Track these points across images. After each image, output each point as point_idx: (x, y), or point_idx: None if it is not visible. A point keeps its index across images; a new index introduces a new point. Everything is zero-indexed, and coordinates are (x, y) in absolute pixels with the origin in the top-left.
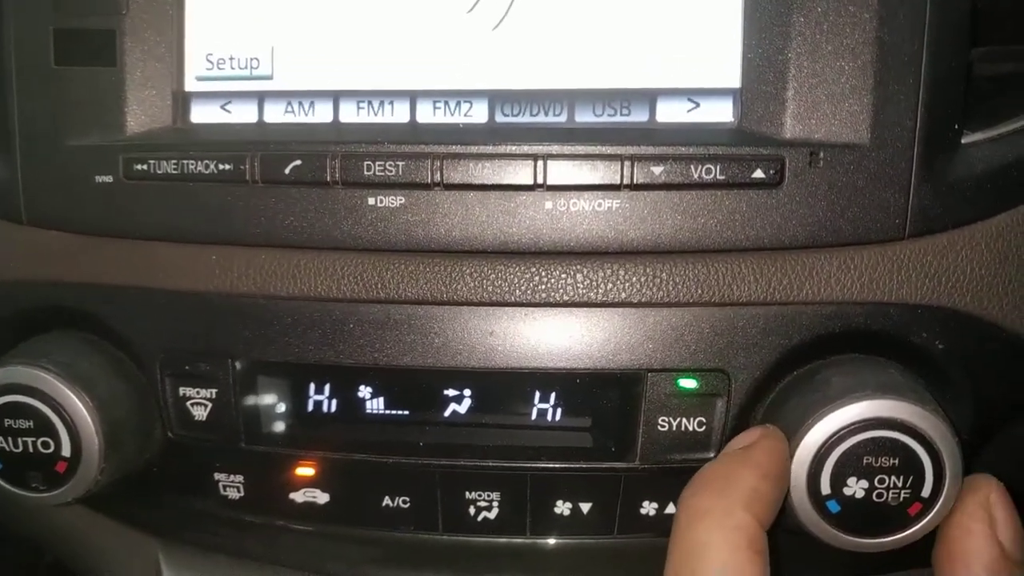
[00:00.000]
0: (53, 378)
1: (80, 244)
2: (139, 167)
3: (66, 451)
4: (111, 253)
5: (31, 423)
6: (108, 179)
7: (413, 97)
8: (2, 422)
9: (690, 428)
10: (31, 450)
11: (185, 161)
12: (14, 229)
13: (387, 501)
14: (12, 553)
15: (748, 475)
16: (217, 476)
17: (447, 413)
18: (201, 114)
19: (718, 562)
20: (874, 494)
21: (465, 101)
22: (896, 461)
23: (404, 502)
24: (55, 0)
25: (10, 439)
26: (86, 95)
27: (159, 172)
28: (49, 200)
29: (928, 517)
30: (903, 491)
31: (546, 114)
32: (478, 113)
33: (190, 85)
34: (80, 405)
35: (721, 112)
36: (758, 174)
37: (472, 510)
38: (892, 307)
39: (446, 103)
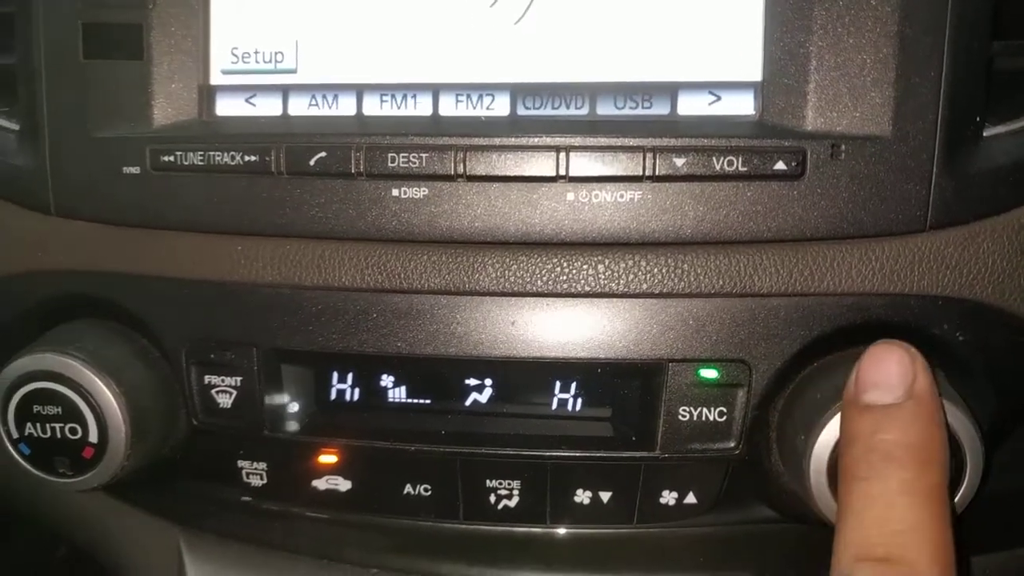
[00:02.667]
0: (81, 365)
1: (107, 234)
2: (166, 159)
3: (93, 437)
4: (138, 243)
5: (59, 409)
6: (135, 170)
7: (436, 90)
8: (31, 408)
9: (711, 418)
10: (59, 436)
11: (211, 153)
12: (42, 219)
13: (408, 489)
14: (25, 547)
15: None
16: (240, 463)
17: (468, 402)
18: (226, 107)
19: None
20: None
21: (487, 94)
22: None
23: (425, 490)
24: None
25: (38, 425)
26: (114, 88)
27: (186, 164)
28: (77, 191)
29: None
30: None
31: (567, 107)
32: (500, 106)
33: (215, 78)
34: (107, 392)
35: (742, 105)
36: (780, 166)
37: (492, 498)
38: (913, 299)
39: (468, 96)
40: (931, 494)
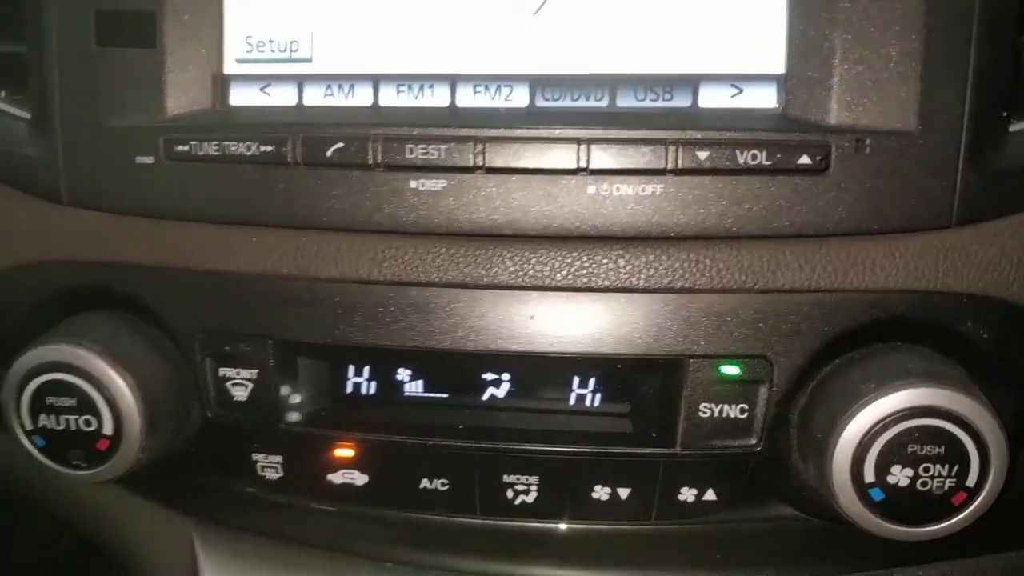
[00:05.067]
0: (95, 356)
1: (121, 225)
2: (180, 148)
3: (108, 429)
4: (152, 234)
5: (74, 401)
6: (149, 160)
7: (453, 81)
8: (45, 400)
9: (732, 415)
10: (73, 428)
11: (226, 143)
12: (55, 209)
13: (425, 483)
14: (32, 538)
15: None
16: (256, 456)
17: (486, 397)
18: (240, 96)
19: None
20: (918, 483)
21: (505, 85)
22: (941, 450)
23: (442, 484)
24: None
25: (53, 416)
26: (127, 76)
27: (200, 153)
28: (90, 181)
29: (973, 506)
30: (948, 480)
31: (587, 99)
32: (519, 97)
33: (230, 68)
34: (122, 383)
35: (765, 98)
36: (804, 160)
37: (510, 493)
38: (937, 295)
39: (486, 87)
40: None
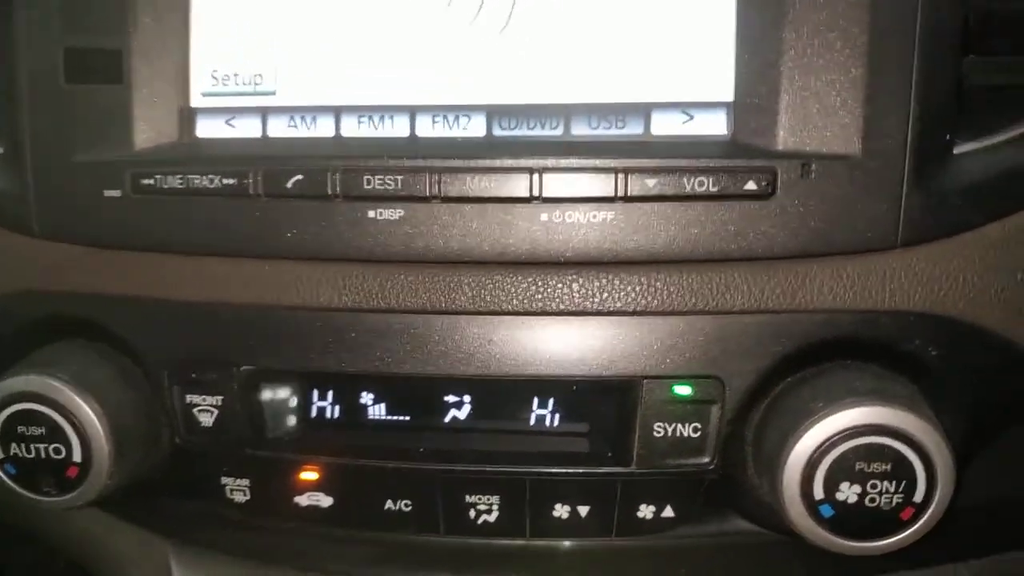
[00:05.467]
0: (64, 386)
1: (89, 256)
2: (146, 182)
3: (77, 457)
4: (119, 264)
5: (43, 430)
6: (116, 193)
7: (412, 112)
8: (15, 429)
9: (685, 434)
10: (43, 456)
11: (190, 176)
12: (25, 241)
13: (389, 504)
14: (30, 556)
15: None
16: (224, 480)
17: (447, 419)
18: (206, 129)
19: None
20: (867, 499)
21: (463, 115)
22: (888, 467)
23: (406, 505)
24: (65, 20)
25: (23, 445)
26: (95, 112)
27: (165, 187)
28: (59, 213)
29: (921, 521)
30: (896, 496)
31: (543, 127)
32: (476, 127)
33: (196, 101)
34: (90, 412)
35: (715, 124)
36: (750, 185)
37: (472, 513)
38: (884, 315)
39: (445, 117)
40: None
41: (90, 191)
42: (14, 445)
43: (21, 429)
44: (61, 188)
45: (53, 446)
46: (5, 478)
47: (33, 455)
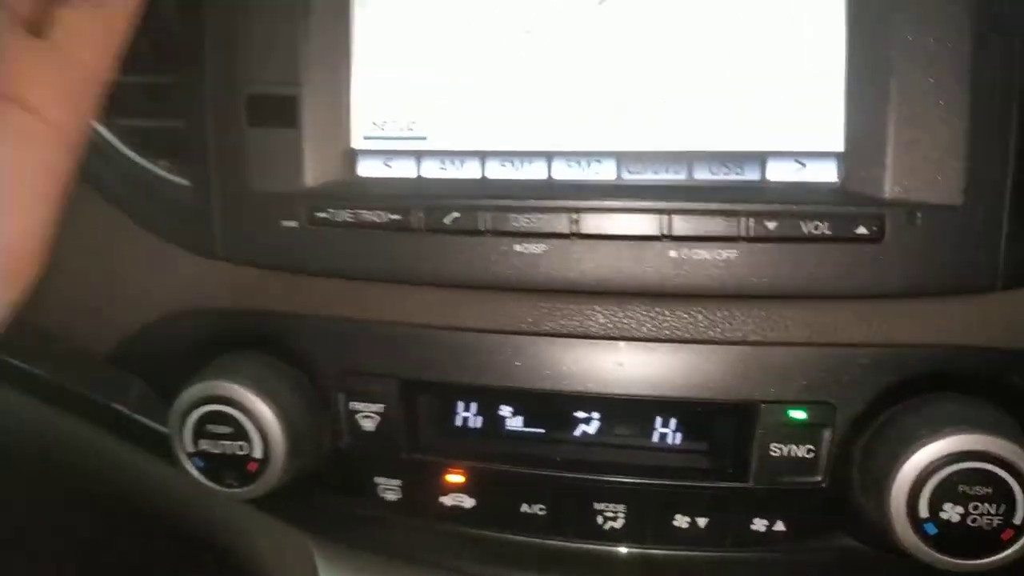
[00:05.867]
0: (247, 390)
1: (267, 278)
2: (320, 215)
3: (257, 453)
4: (293, 285)
5: (229, 429)
6: (294, 224)
7: (549, 156)
8: (205, 428)
9: (799, 454)
10: (228, 452)
11: (360, 211)
12: (211, 264)
13: (525, 507)
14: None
15: None
16: (377, 480)
17: (578, 432)
18: (367, 169)
19: None
20: (969, 519)
21: (595, 160)
22: (989, 490)
23: (540, 509)
24: (248, 71)
25: (211, 442)
26: (272, 151)
27: (338, 220)
28: (241, 240)
29: (1020, 542)
30: (996, 518)
31: (667, 172)
32: (607, 171)
33: (357, 144)
34: (270, 414)
35: (826, 172)
36: (860, 230)
37: (600, 519)
38: (985, 351)
39: (578, 162)
40: None
41: (269, 221)
42: (203, 441)
43: (210, 428)
44: (242, 218)
45: (238, 443)
46: (193, 471)
47: (220, 451)
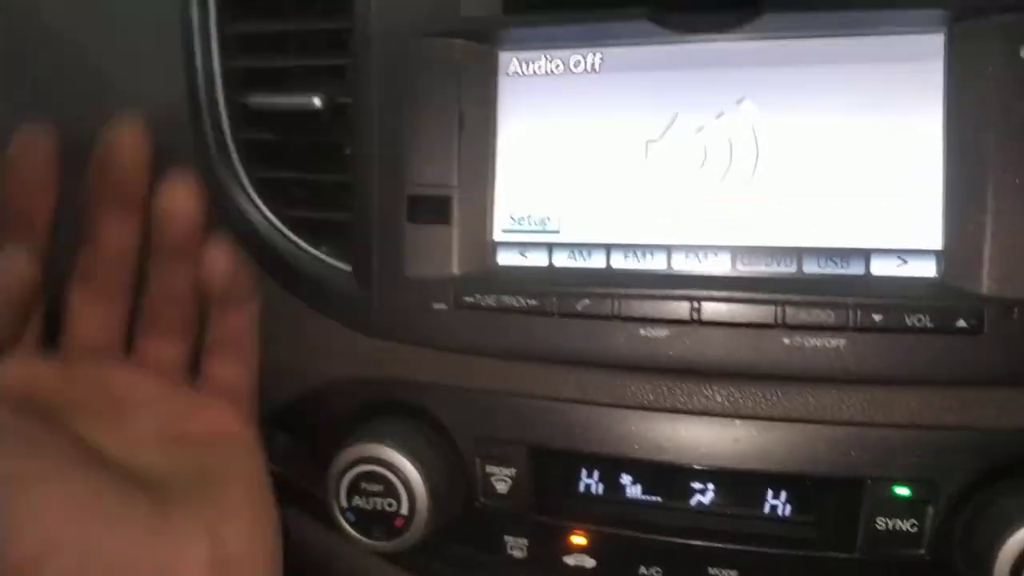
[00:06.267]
0: (396, 452)
1: (415, 353)
2: (467, 299)
3: (404, 510)
4: (438, 360)
5: (380, 487)
6: (443, 307)
7: (669, 249)
8: (359, 485)
9: (904, 528)
10: (378, 508)
11: (502, 296)
12: (367, 340)
13: (642, 570)
14: None
15: None
16: (507, 538)
17: (693, 502)
18: (505, 258)
19: None
20: None
21: (712, 253)
22: None
23: (656, 572)
24: (409, 175)
25: (363, 499)
26: (427, 243)
27: (483, 304)
28: (395, 319)
29: None
30: None
31: (778, 265)
32: (722, 263)
33: (498, 236)
34: (416, 474)
35: (926, 268)
36: (960, 323)
37: None
38: None
39: (695, 254)
40: None
41: (421, 303)
42: (356, 498)
43: (364, 486)
44: (397, 299)
45: (387, 500)
46: (346, 525)
47: (371, 507)
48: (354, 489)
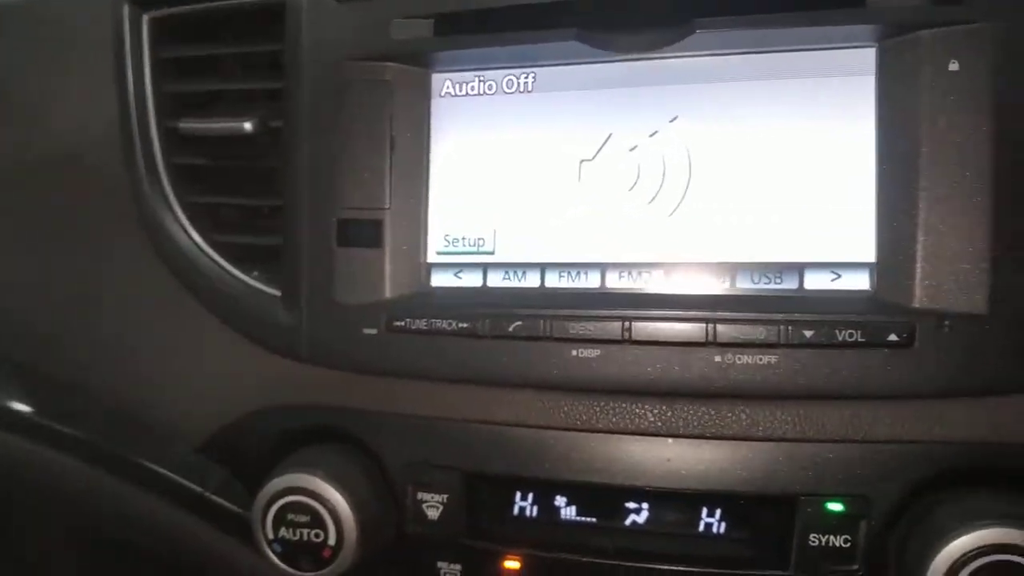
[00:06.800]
0: (324, 482)
1: (344, 379)
2: (398, 323)
3: (332, 540)
4: (368, 386)
5: (307, 517)
6: (374, 331)
7: (603, 268)
8: (285, 516)
9: (837, 544)
10: (305, 539)
11: (433, 320)
12: (296, 366)
13: None
14: None
15: None
16: (439, 564)
17: (628, 522)
18: (439, 280)
19: None
20: None
21: (645, 271)
22: None
23: None
24: (339, 199)
25: (290, 529)
26: (357, 267)
27: (413, 328)
28: (325, 345)
29: None
30: None
31: (711, 282)
32: (656, 281)
33: (431, 258)
34: (344, 503)
35: (859, 282)
36: (892, 337)
37: None
38: (1012, 447)
39: (629, 272)
40: None
41: (351, 328)
42: (283, 529)
43: (290, 516)
44: (327, 325)
45: (314, 531)
46: (272, 556)
47: (297, 537)
48: (280, 520)
